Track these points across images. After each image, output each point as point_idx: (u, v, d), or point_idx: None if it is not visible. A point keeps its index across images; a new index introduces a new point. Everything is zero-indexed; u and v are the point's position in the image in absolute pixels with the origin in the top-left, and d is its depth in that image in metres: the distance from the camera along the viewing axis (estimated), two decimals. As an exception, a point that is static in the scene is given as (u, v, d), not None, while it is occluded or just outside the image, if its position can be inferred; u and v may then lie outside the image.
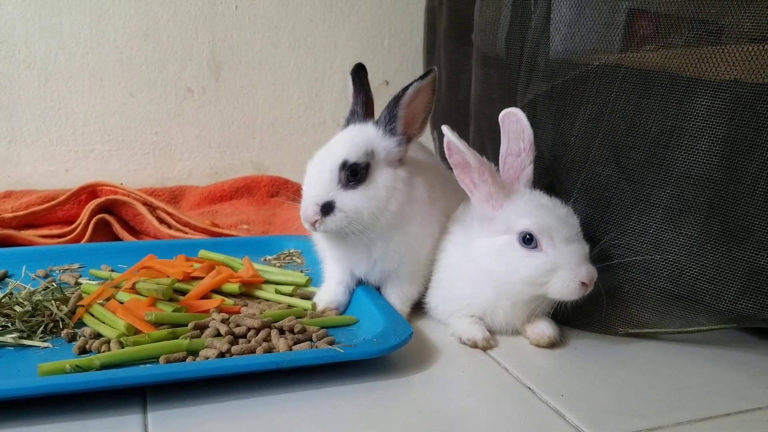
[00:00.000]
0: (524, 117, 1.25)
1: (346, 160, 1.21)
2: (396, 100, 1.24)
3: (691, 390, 1.08)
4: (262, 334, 1.13)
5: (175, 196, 2.18)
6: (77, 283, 1.37)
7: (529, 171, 1.27)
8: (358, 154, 1.22)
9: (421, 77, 1.24)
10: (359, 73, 1.33)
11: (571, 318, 1.32)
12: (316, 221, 1.20)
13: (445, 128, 1.20)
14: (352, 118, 1.32)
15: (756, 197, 1.09)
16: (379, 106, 1.33)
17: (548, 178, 1.42)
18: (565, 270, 1.16)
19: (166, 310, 1.20)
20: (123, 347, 1.06)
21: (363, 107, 1.32)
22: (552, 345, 1.23)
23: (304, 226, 1.24)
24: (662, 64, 1.19)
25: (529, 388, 1.07)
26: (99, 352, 1.06)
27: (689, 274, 1.18)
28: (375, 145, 1.24)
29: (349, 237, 1.25)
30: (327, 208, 1.20)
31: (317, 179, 1.22)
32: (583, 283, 1.15)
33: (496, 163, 1.28)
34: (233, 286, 1.34)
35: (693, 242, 1.17)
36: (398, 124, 1.25)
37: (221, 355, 1.06)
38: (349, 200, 1.21)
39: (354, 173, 1.21)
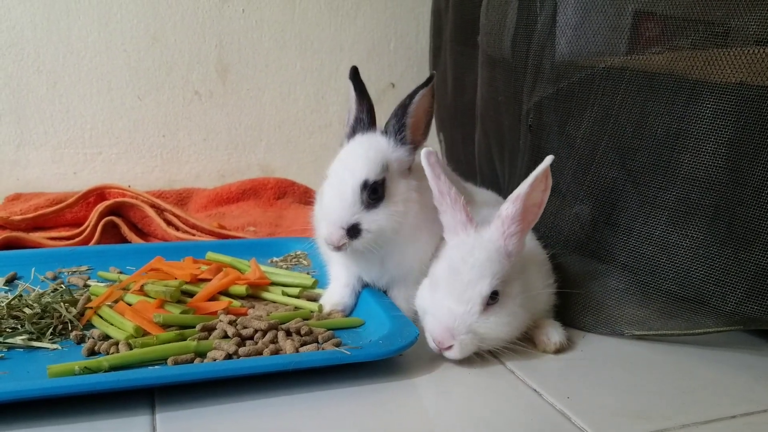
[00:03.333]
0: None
1: (366, 180, 1.20)
2: (404, 108, 1.24)
3: (696, 392, 1.08)
4: (269, 335, 1.13)
5: (182, 198, 2.19)
6: (86, 285, 1.38)
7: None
8: (377, 171, 1.21)
9: (425, 83, 1.24)
10: (357, 77, 1.31)
11: (577, 320, 1.32)
12: (343, 244, 1.20)
13: (424, 151, 1.19)
14: (358, 125, 1.30)
15: (762, 199, 1.09)
16: (385, 108, 1.33)
17: (554, 180, 1.42)
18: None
19: (174, 311, 1.21)
20: (131, 349, 1.07)
21: (368, 114, 1.30)
22: (559, 351, 1.21)
23: (327, 248, 1.23)
24: (668, 66, 1.19)
25: (534, 390, 1.07)
26: (108, 353, 1.07)
27: (695, 276, 1.18)
28: (388, 157, 1.24)
29: (364, 253, 1.25)
30: (353, 231, 1.20)
31: (340, 201, 1.20)
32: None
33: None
34: (240, 288, 1.35)
35: (699, 244, 1.17)
36: (408, 132, 1.25)
37: (229, 356, 1.07)
38: (373, 220, 1.20)
39: (374, 191, 1.21)
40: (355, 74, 1.31)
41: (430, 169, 1.19)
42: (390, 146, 1.26)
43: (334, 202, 1.21)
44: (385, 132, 1.27)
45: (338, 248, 1.21)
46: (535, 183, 1.14)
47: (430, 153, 1.19)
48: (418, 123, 1.27)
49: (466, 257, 1.15)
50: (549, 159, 1.14)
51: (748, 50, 1.08)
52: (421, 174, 1.30)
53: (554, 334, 1.22)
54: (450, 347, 1.11)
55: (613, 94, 1.27)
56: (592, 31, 1.32)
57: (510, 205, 1.15)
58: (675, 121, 1.17)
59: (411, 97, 1.24)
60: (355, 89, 1.31)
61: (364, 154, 1.23)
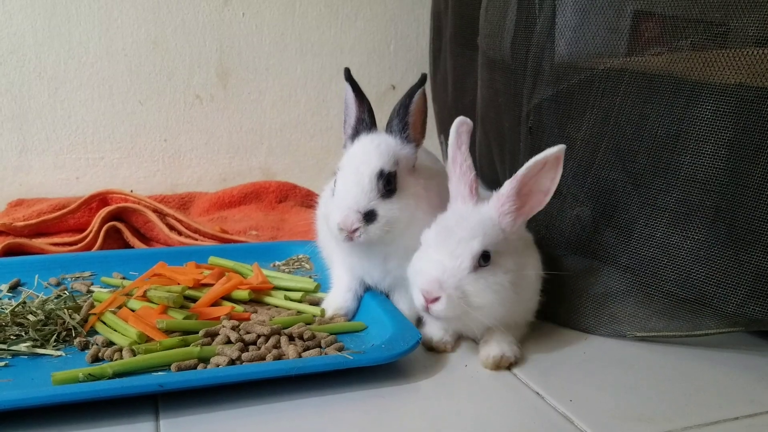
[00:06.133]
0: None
1: (382, 169, 1.21)
2: (405, 107, 1.26)
3: (699, 394, 1.08)
4: (272, 341, 1.14)
5: (184, 202, 2.19)
6: (89, 291, 1.38)
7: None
8: (390, 163, 1.23)
9: (419, 83, 1.26)
10: (352, 79, 1.31)
11: (578, 321, 1.32)
12: (357, 229, 1.20)
13: (459, 119, 1.22)
14: (361, 126, 1.31)
15: (762, 200, 1.09)
16: (386, 110, 1.34)
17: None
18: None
19: (177, 317, 1.21)
20: (135, 355, 1.08)
21: (369, 114, 1.31)
22: (498, 367, 1.15)
23: (338, 234, 1.22)
24: (667, 68, 1.19)
25: (537, 393, 1.08)
26: (111, 360, 1.08)
27: (697, 277, 1.18)
28: (397, 153, 1.26)
29: (371, 248, 1.26)
30: (370, 217, 1.20)
31: (356, 188, 1.21)
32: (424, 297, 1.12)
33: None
34: (243, 293, 1.35)
35: (700, 246, 1.17)
36: (411, 130, 1.28)
37: (232, 362, 1.07)
38: (388, 209, 1.22)
39: (389, 182, 1.22)
40: (349, 75, 1.32)
41: (457, 137, 1.21)
42: (397, 144, 1.27)
43: (351, 188, 1.21)
44: (389, 131, 1.29)
45: (351, 234, 1.20)
46: (536, 167, 1.15)
47: (463, 122, 1.21)
48: (417, 122, 1.29)
49: (459, 220, 1.17)
50: (557, 148, 1.14)
51: (748, 51, 1.08)
52: (425, 173, 1.31)
53: (495, 347, 1.17)
54: (437, 299, 1.10)
55: (613, 96, 1.27)
56: (591, 32, 1.32)
57: (507, 184, 1.17)
58: (674, 122, 1.17)
59: (410, 96, 1.26)
60: (353, 90, 1.31)
61: (376, 148, 1.25)
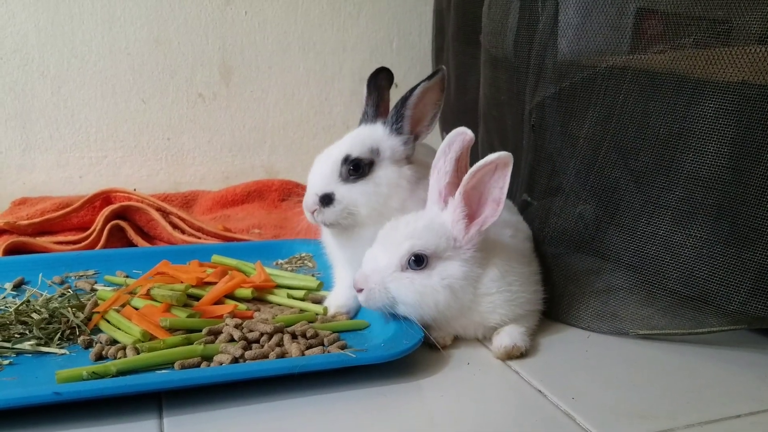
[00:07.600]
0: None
1: (348, 154, 1.25)
2: (403, 100, 1.28)
3: (701, 391, 1.08)
4: (275, 339, 1.14)
5: (187, 201, 2.20)
6: (93, 290, 1.39)
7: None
8: (362, 150, 1.26)
9: (429, 77, 1.27)
10: (377, 77, 1.35)
11: (581, 319, 1.32)
12: (314, 211, 1.25)
13: (459, 129, 1.20)
14: (363, 118, 1.36)
15: (765, 198, 1.09)
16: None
17: (557, 180, 1.42)
18: None
19: (180, 315, 1.22)
20: (139, 353, 1.08)
21: (374, 108, 1.35)
22: (509, 356, 1.18)
23: (306, 216, 1.29)
24: (670, 66, 1.19)
25: (539, 390, 1.08)
26: (115, 358, 1.08)
27: (699, 275, 1.18)
28: (381, 143, 1.28)
29: (359, 237, 1.27)
30: (326, 200, 1.25)
31: (320, 172, 1.27)
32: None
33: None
34: (246, 291, 1.36)
35: (703, 244, 1.17)
36: (405, 123, 1.29)
37: (235, 360, 1.08)
38: (347, 193, 1.25)
39: (356, 168, 1.25)
40: (374, 75, 1.34)
41: (447, 145, 1.20)
42: (385, 134, 1.30)
43: (315, 172, 1.28)
44: (384, 121, 1.32)
45: (312, 214, 1.26)
46: (484, 170, 1.14)
47: (460, 133, 1.19)
48: (421, 115, 1.31)
49: (408, 222, 1.20)
50: (505, 153, 1.13)
51: (751, 49, 1.08)
52: (425, 170, 1.31)
53: (506, 338, 1.19)
54: (361, 291, 1.18)
55: (616, 94, 1.27)
56: (593, 30, 1.32)
57: (458, 190, 1.18)
58: (677, 120, 1.17)
59: (412, 90, 1.27)
60: (367, 86, 1.36)
61: (353, 136, 1.30)
